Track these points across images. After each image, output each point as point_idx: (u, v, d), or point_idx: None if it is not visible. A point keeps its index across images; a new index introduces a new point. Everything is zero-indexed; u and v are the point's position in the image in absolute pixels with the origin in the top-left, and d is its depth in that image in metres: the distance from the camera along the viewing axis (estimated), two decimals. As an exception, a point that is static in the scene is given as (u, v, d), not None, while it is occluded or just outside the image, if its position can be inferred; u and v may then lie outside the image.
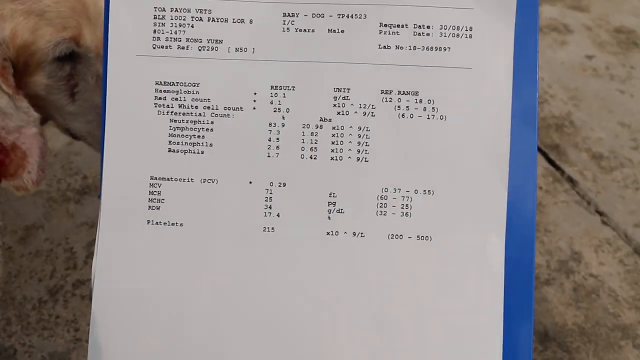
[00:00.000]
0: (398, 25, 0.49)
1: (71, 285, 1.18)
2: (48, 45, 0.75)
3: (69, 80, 0.82)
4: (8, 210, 1.31)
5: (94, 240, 1.28)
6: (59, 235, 1.27)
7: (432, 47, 0.49)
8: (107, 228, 0.51)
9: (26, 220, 1.30)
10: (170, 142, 0.50)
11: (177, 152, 0.50)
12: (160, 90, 0.50)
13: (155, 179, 0.50)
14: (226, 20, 0.50)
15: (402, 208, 0.50)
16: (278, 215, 0.50)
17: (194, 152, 0.50)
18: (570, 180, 1.48)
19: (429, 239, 0.50)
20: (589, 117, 1.68)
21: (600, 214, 1.40)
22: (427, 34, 0.49)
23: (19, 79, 0.78)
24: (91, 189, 1.36)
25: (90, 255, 1.24)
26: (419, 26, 0.49)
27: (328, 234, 0.50)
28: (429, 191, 0.50)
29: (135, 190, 0.50)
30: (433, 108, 0.49)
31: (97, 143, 0.87)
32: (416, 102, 0.49)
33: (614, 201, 1.43)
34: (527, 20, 0.49)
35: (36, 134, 0.77)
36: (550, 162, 1.52)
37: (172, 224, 0.50)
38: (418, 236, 0.50)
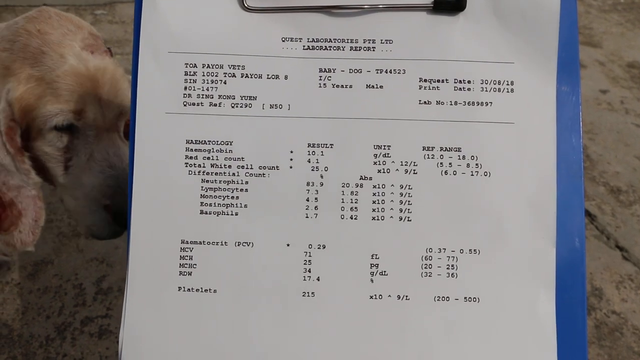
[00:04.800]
0: (438, 80, 0.48)
1: (79, 323, 1.16)
2: (47, 114, 0.76)
3: (65, 152, 0.81)
4: (17, 245, 1.29)
5: (104, 276, 1.27)
6: (68, 271, 1.26)
7: (473, 102, 0.48)
8: (135, 296, 0.47)
9: (36, 255, 1.28)
10: (202, 203, 0.47)
11: (210, 214, 0.47)
12: (191, 149, 0.48)
13: (187, 242, 0.47)
14: (260, 76, 0.48)
15: (447, 269, 0.47)
16: (318, 279, 0.47)
17: (228, 214, 0.47)
18: (589, 214, 1.45)
19: (477, 300, 0.47)
20: (605, 151, 1.66)
21: (621, 248, 1.37)
22: (468, 89, 0.48)
23: (25, 140, 0.79)
24: (102, 224, 1.35)
25: (99, 292, 1.22)
26: (460, 81, 0.48)
27: (371, 297, 0.47)
28: (474, 250, 0.47)
29: (165, 255, 0.47)
30: (477, 164, 0.48)
31: (81, 223, 0.86)
32: (459, 159, 0.48)
33: (634, 236, 1.40)
34: (569, 72, 0.48)
35: (34, 197, 0.78)
36: (567, 196, 1.49)
37: (205, 290, 0.47)
38: (465, 297, 0.47)
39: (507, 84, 0.48)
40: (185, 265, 0.48)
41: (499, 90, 0.48)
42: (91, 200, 0.82)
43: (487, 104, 0.48)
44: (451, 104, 0.48)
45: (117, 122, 0.84)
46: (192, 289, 0.47)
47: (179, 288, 0.47)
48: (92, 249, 1.30)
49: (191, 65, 0.48)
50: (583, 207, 0.48)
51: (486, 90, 0.48)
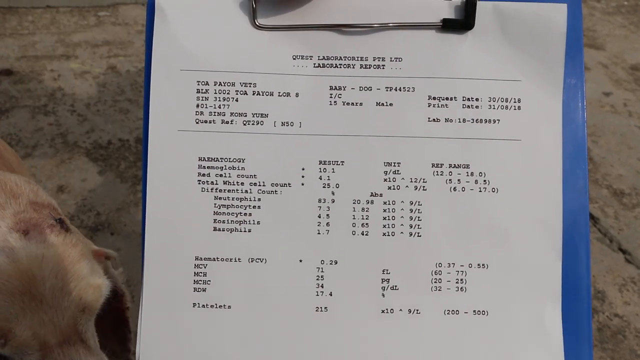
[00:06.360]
0: (447, 98, 0.49)
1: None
2: None
3: None
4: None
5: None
6: (71, 272, 1.26)
7: (481, 120, 0.49)
8: (150, 312, 0.48)
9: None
10: (215, 220, 0.48)
11: (223, 230, 0.48)
12: (204, 167, 0.48)
13: (201, 259, 0.48)
14: (271, 94, 0.48)
15: (457, 283, 0.48)
16: (330, 294, 0.48)
17: (241, 231, 0.48)
18: (592, 217, 1.45)
19: (486, 313, 0.48)
20: (608, 153, 1.65)
21: (624, 251, 1.36)
22: (476, 107, 0.49)
23: None
24: (104, 226, 1.35)
25: (102, 293, 1.22)
26: (468, 98, 0.49)
27: (383, 311, 0.48)
28: (483, 265, 0.49)
29: (179, 271, 0.48)
30: (485, 181, 0.49)
31: None
32: (467, 175, 0.49)
33: (638, 238, 1.40)
34: (574, 90, 0.49)
35: None
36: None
37: (220, 306, 0.48)
38: (474, 311, 0.48)
39: (514, 102, 0.49)
40: (200, 282, 0.48)
41: (506, 107, 0.49)
42: None
43: (495, 122, 0.49)
44: (459, 122, 0.49)
45: (78, 326, 0.51)
46: (206, 305, 0.48)
47: (194, 304, 0.48)
48: (95, 250, 1.30)
49: (203, 83, 0.48)
50: (588, 222, 0.49)
51: (494, 108, 0.49)
